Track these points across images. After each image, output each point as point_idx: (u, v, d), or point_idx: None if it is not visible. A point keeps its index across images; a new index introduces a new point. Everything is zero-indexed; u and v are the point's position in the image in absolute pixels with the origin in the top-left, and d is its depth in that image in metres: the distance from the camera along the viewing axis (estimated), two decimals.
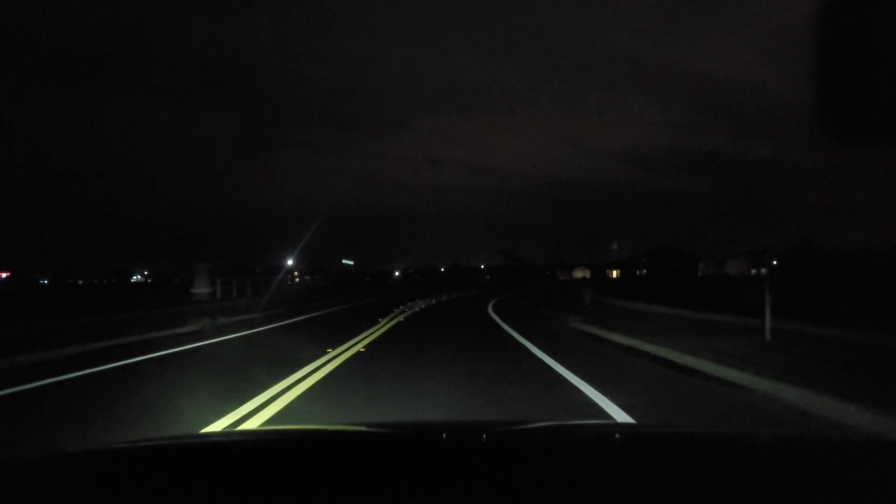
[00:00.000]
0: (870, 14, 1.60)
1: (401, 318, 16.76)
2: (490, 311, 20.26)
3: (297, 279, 49.27)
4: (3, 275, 67.28)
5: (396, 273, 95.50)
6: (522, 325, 13.80)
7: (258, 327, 13.51)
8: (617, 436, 1.42)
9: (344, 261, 27.63)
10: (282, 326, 14.09)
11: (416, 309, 21.07)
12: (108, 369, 7.47)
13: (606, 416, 4.75)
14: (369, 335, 11.39)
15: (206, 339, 10.75)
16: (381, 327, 13.35)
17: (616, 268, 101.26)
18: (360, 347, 9.42)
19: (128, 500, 0.86)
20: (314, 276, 60.93)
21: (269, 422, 4.62)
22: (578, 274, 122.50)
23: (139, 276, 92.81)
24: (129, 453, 1.22)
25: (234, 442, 1.47)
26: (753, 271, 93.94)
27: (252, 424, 4.49)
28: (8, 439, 4.35)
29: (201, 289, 22.89)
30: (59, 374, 6.96)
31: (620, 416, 4.73)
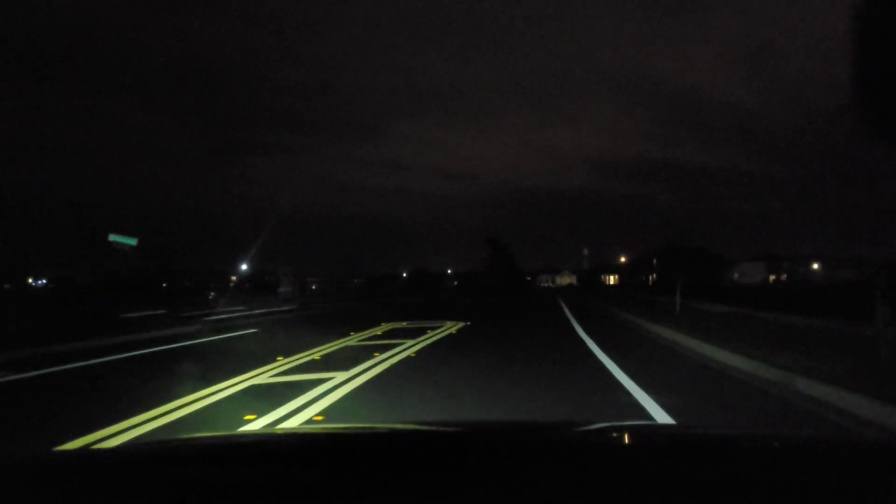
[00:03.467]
0: None
1: None
2: None
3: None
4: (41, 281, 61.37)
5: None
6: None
7: None
8: (656, 437, 1.42)
9: (113, 237, 10.84)
10: None
11: None
12: None
13: None
14: None
15: None
16: None
17: (614, 272, 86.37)
18: None
19: (137, 500, 0.86)
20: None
21: None
22: (565, 280, 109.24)
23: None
24: (148, 452, 1.24)
25: (258, 443, 1.42)
26: (773, 277, 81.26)
27: None
28: None
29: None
30: None
31: None
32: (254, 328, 13.43)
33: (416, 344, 9.35)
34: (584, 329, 12.05)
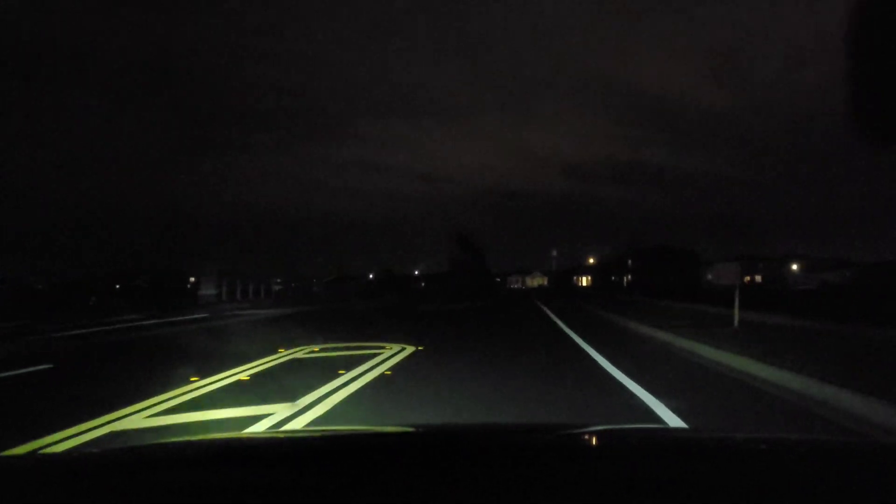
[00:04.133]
0: None
1: None
2: None
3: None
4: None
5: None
6: None
7: None
8: (667, 440, 1.40)
9: None
10: None
11: None
12: None
13: None
14: None
15: None
16: None
17: (586, 273, 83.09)
18: None
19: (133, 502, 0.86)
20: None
21: None
22: (536, 281, 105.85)
23: None
24: (138, 456, 1.21)
25: (256, 445, 1.40)
26: (747, 278, 79.38)
27: None
28: None
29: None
30: None
31: None
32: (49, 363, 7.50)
33: (291, 419, 4.60)
34: (624, 371, 6.34)
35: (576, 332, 11.32)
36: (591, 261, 79.00)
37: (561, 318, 14.97)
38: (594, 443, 1.28)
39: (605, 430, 1.41)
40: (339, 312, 19.36)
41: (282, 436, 2.20)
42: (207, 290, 23.12)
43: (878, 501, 0.80)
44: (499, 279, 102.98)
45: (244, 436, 2.84)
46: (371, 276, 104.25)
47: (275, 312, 19.21)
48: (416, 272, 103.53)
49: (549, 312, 17.82)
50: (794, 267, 62.44)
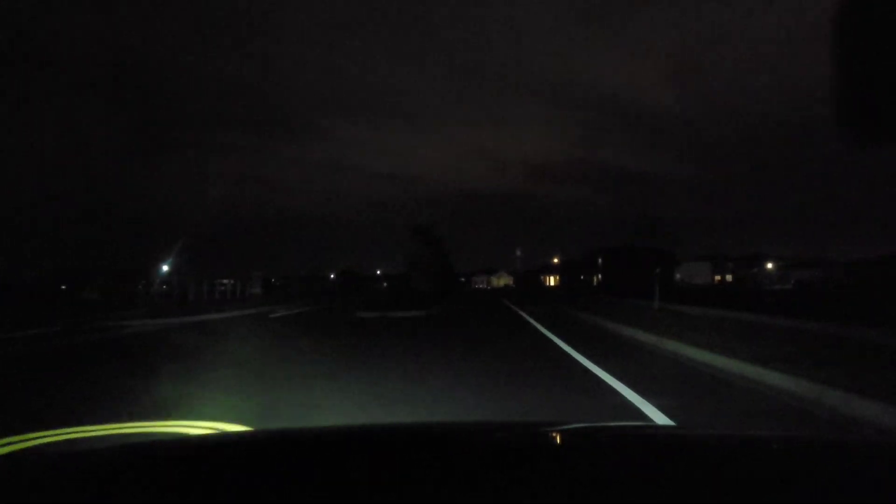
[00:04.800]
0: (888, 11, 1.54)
1: None
2: None
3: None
4: None
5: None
6: None
7: None
8: (654, 437, 1.38)
9: None
10: None
11: None
12: None
13: None
14: None
15: None
16: None
17: (553, 273, 79.78)
18: None
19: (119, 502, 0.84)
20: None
21: None
22: (502, 281, 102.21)
23: None
24: (131, 452, 1.19)
25: (238, 442, 1.37)
26: (718, 278, 77.66)
27: None
28: None
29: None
30: None
31: None
32: None
33: None
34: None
35: (610, 371, 6.33)
36: (556, 260, 75.92)
37: (562, 337, 10.53)
38: (576, 440, 1.25)
39: (587, 428, 1.36)
40: (242, 324, 14.56)
41: (253, 435, 2.10)
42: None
43: (865, 498, 0.80)
44: (463, 279, 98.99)
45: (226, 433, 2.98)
46: (332, 276, 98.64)
47: (159, 323, 14.23)
48: (379, 272, 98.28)
49: (535, 324, 13.41)
50: (769, 266, 60.31)
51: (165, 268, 37.09)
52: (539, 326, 12.12)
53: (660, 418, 4.10)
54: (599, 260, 65.31)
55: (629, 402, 4.60)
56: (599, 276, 65.66)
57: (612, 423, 1.94)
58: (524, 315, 16.38)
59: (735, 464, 0.99)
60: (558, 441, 1.22)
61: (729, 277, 74.08)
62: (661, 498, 0.79)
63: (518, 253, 72.00)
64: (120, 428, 3.95)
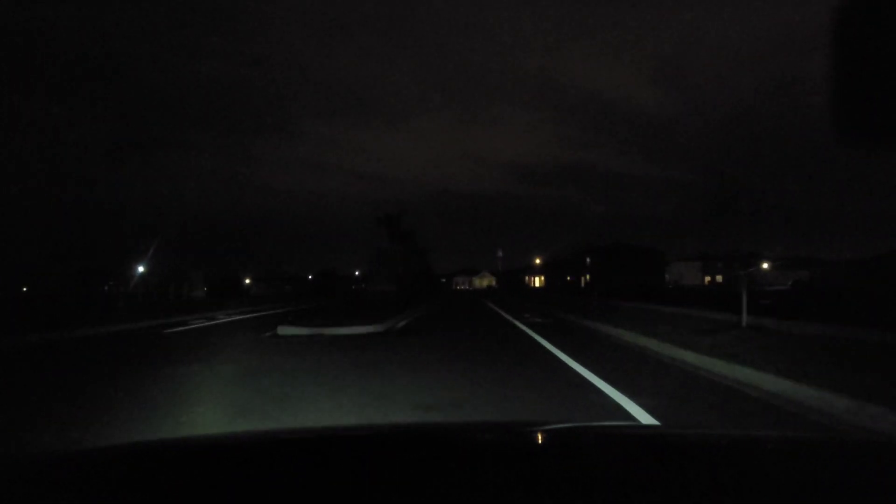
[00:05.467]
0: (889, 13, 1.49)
1: None
2: None
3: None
4: None
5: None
6: None
7: None
8: (639, 437, 1.35)
9: None
10: None
11: None
12: None
13: None
14: None
15: None
16: None
17: (539, 273, 75.72)
18: None
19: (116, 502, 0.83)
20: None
21: None
22: (484, 282, 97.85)
23: None
24: (122, 453, 1.17)
25: (234, 443, 1.33)
26: (708, 279, 74.54)
27: None
28: None
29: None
30: None
31: None
32: None
33: None
34: None
35: None
36: (538, 261, 72.08)
37: (602, 375, 6.17)
38: (559, 440, 1.22)
39: (578, 428, 1.35)
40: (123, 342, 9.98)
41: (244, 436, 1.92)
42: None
43: (846, 496, 0.80)
44: (444, 280, 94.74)
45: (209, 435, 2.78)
46: (310, 277, 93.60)
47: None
48: (357, 273, 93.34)
49: (548, 345, 9.02)
50: (765, 266, 57.16)
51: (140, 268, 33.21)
52: (560, 354, 7.73)
53: None
54: (588, 259, 61.34)
55: None
56: (588, 276, 61.70)
57: (595, 424, 1.95)
58: (519, 324, 11.99)
59: (718, 463, 0.99)
60: (541, 441, 1.19)
61: (719, 278, 70.94)
62: (644, 498, 0.78)
63: (500, 254, 70.13)
64: None
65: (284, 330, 11.31)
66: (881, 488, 0.83)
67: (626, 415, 4.22)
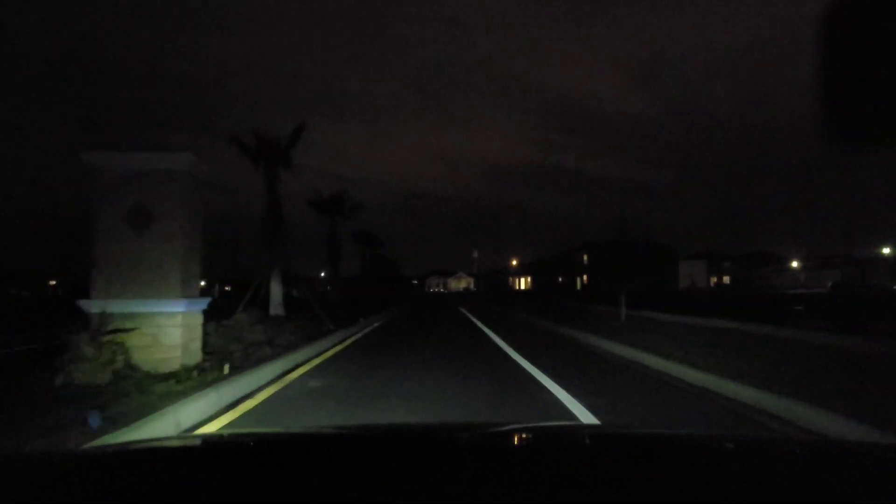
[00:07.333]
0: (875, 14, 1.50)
1: None
2: None
3: None
4: None
5: None
6: None
7: None
8: (582, 436, 1.39)
9: None
10: None
11: None
12: None
13: None
14: None
15: None
16: None
17: (526, 273, 66.95)
18: None
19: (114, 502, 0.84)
20: None
21: None
22: (461, 284, 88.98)
23: None
24: (119, 455, 1.17)
25: (227, 443, 1.36)
26: (714, 280, 67.03)
27: None
28: None
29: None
30: None
31: None
32: None
33: None
34: None
35: None
36: (515, 262, 63.73)
37: None
38: (509, 441, 1.23)
39: (520, 429, 1.34)
40: None
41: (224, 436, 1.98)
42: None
43: (790, 494, 0.81)
44: (416, 282, 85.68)
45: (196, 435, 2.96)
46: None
47: None
48: (322, 274, 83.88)
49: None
50: (794, 264, 49.19)
51: None
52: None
53: None
54: (585, 257, 52.75)
55: None
56: (584, 276, 53.10)
57: (541, 424, 2.00)
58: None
59: (649, 462, 1.00)
60: (493, 442, 1.20)
61: (726, 279, 63.32)
62: (588, 496, 0.79)
63: (475, 255, 64.21)
64: None
65: None
66: (818, 484, 0.85)
67: None
